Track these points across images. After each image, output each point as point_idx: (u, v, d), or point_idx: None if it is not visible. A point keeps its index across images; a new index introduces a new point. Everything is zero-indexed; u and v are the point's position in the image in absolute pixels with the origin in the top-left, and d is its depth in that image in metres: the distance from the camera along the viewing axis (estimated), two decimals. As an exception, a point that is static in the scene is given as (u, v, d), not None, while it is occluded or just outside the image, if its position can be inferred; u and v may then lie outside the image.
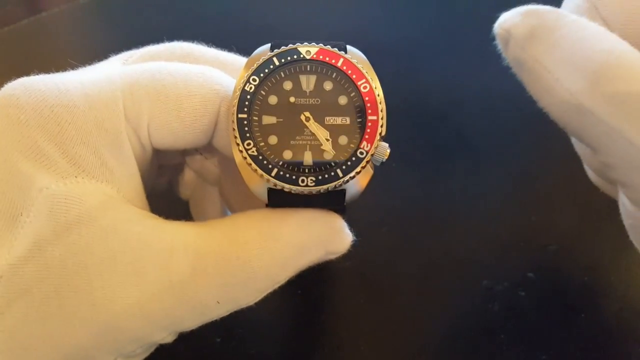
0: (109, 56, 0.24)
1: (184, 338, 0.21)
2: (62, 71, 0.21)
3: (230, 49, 0.25)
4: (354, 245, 0.21)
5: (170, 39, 0.24)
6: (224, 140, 0.22)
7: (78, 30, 0.46)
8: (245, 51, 0.25)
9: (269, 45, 0.21)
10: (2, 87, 0.20)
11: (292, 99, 0.20)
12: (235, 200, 0.26)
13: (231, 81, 0.22)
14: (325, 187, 0.19)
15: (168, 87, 0.21)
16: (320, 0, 0.47)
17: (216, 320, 0.20)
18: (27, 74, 0.20)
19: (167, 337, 0.20)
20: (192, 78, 0.21)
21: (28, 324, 0.18)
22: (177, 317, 0.19)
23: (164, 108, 0.21)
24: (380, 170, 0.21)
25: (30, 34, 0.44)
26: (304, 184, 0.19)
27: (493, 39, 0.22)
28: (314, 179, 0.19)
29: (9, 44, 0.43)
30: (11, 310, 0.18)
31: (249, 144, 0.20)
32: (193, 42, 0.24)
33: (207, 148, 0.23)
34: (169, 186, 0.28)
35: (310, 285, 0.30)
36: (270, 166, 0.19)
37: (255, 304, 0.21)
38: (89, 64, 0.23)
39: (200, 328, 0.20)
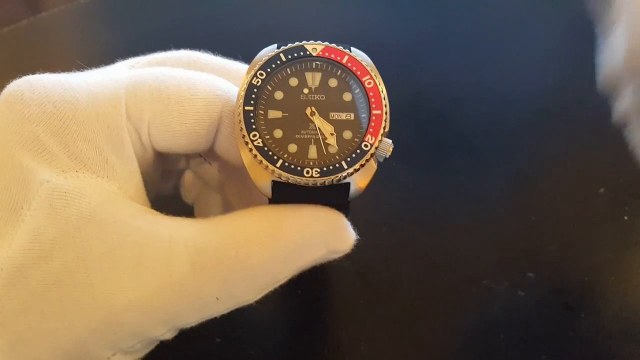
0: (111, 58, 0.24)
1: (184, 338, 0.21)
2: (63, 71, 0.22)
3: (234, 57, 0.25)
4: (354, 245, 0.21)
5: (170, 38, 0.24)
6: (226, 145, 0.22)
7: (78, 30, 0.46)
8: (245, 51, 0.25)
9: (275, 45, 0.21)
10: (1, 87, 0.20)
11: (297, 95, 0.21)
12: (238, 206, 0.26)
13: (235, 88, 0.22)
14: (329, 178, 0.19)
15: (171, 88, 0.21)
16: (321, 1, 0.47)
17: (216, 320, 0.20)
18: (28, 74, 0.20)
19: (167, 334, 0.20)
20: (195, 83, 0.21)
21: (28, 317, 0.18)
22: (176, 313, 0.19)
23: (165, 109, 0.21)
24: (381, 170, 0.21)
25: (30, 34, 0.44)
26: (309, 174, 0.19)
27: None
28: (318, 170, 0.19)
29: (9, 44, 0.44)
30: (11, 303, 0.18)
31: (254, 136, 0.20)
32: (193, 42, 0.24)
33: (210, 153, 0.23)
34: (174, 190, 0.29)
35: (310, 285, 0.30)
36: (275, 157, 0.20)
37: (256, 303, 0.20)
38: (91, 64, 0.23)
39: (200, 328, 0.20)
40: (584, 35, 0.24)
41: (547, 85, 0.40)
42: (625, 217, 0.33)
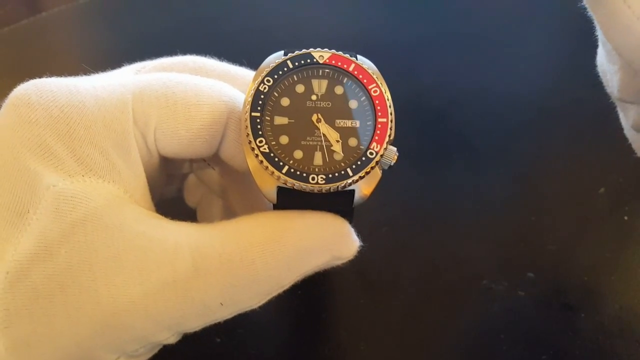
0: (111, 58, 0.24)
1: (184, 338, 0.21)
2: (64, 71, 0.22)
3: (238, 60, 0.25)
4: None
5: (170, 39, 0.24)
6: (232, 151, 0.22)
7: (78, 30, 0.46)
8: (245, 52, 0.25)
9: (281, 52, 0.22)
10: (1, 87, 0.20)
11: (304, 102, 0.21)
12: (241, 211, 0.26)
13: (240, 95, 0.22)
14: (335, 185, 0.20)
15: (178, 94, 0.21)
16: (321, 2, 0.47)
17: (217, 321, 0.20)
18: (27, 74, 0.20)
19: (171, 338, 0.20)
20: (202, 89, 0.21)
21: (32, 320, 0.18)
22: (180, 317, 0.19)
23: (172, 115, 0.21)
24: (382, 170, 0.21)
25: (30, 34, 0.44)
26: (314, 181, 0.20)
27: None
28: (324, 177, 0.20)
29: (9, 44, 0.43)
30: (16, 306, 0.18)
31: (261, 141, 0.20)
32: (194, 43, 0.24)
33: (214, 158, 0.24)
34: (178, 193, 0.29)
35: (310, 285, 0.30)
36: (281, 163, 0.20)
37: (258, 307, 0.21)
38: (91, 65, 0.24)
39: (201, 328, 0.20)
40: (583, 35, 0.24)
41: (547, 85, 0.40)
42: (625, 217, 0.33)
